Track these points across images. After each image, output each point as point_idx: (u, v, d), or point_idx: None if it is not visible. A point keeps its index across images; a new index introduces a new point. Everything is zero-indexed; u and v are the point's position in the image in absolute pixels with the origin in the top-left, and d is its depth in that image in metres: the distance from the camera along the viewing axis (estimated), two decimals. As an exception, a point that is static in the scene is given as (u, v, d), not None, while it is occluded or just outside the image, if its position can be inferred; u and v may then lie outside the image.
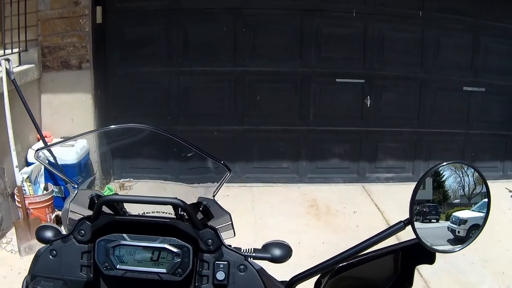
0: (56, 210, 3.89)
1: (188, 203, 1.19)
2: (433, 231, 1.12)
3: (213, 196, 1.36)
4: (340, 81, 4.80)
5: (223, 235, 1.22)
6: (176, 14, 4.56)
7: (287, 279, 1.34)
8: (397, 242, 1.26)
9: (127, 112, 4.48)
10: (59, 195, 4.05)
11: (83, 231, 1.17)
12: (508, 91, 5.09)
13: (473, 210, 1.12)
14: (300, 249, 3.45)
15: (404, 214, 3.86)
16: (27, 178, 3.70)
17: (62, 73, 4.31)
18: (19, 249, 3.51)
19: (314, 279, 1.24)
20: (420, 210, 1.12)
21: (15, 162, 3.67)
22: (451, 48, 4.89)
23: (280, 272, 1.40)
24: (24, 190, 3.67)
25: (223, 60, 4.69)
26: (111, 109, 4.53)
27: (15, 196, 3.68)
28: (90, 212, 1.20)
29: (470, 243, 1.10)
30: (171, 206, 1.21)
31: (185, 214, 1.18)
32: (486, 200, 1.13)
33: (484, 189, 1.13)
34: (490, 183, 4.34)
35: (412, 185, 4.38)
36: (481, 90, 5.01)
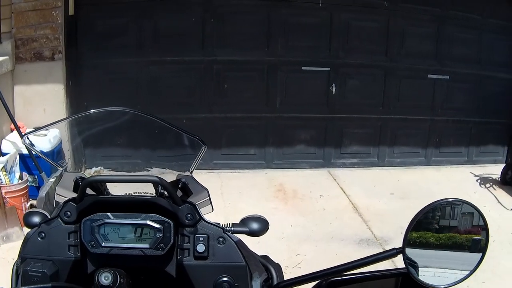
0: (30, 199, 3.98)
1: (168, 181, 1.24)
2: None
3: (191, 172, 1.43)
4: (306, 69, 4.94)
5: (202, 210, 1.28)
6: (146, 5, 4.67)
7: (258, 253, 1.44)
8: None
9: (98, 102, 4.57)
10: (33, 184, 4.14)
11: (69, 212, 1.21)
12: (472, 79, 5.21)
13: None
14: (269, 232, 3.59)
15: (369, 197, 4.05)
16: (2, 168, 3.79)
17: (35, 64, 4.42)
18: (-4, 238, 3.65)
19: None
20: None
21: (-10, 153, 3.84)
22: (416, 37, 4.99)
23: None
24: (0, 179, 3.76)
25: (192, 50, 4.81)
26: (83, 99, 4.67)
27: (-9, 186, 3.78)
28: (75, 195, 1.25)
29: (458, 282, 1.09)
30: (152, 186, 1.28)
31: (165, 191, 1.24)
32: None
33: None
34: (455, 168, 4.57)
35: (377, 170, 4.71)
36: (445, 78, 5.14)
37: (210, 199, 1.38)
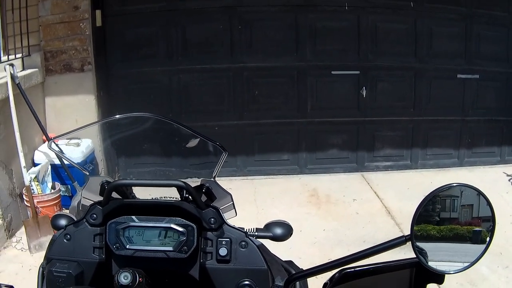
0: (63, 208, 3.99)
1: (192, 186, 1.26)
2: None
3: (214, 177, 1.45)
4: (336, 73, 4.90)
5: (226, 215, 1.30)
6: (173, 15, 4.67)
7: (291, 258, 1.43)
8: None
9: (130, 111, 4.53)
10: (66, 194, 4.15)
11: (95, 215, 1.24)
12: (502, 77, 5.16)
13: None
14: (302, 236, 3.56)
15: (402, 200, 3.98)
16: (35, 178, 3.81)
17: (65, 76, 4.43)
18: (29, 247, 3.60)
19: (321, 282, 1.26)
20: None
21: (23, 163, 3.79)
22: (444, 37, 4.96)
23: (283, 257, 1.48)
24: (32, 189, 3.77)
25: (221, 57, 4.79)
26: (114, 109, 4.61)
27: (24, 196, 3.78)
28: (101, 198, 1.28)
29: (467, 268, 1.11)
30: (176, 190, 1.29)
31: (189, 196, 1.26)
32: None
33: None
34: (489, 168, 4.47)
35: (411, 172, 4.58)
36: (475, 77, 5.09)
37: (233, 203, 1.41)
